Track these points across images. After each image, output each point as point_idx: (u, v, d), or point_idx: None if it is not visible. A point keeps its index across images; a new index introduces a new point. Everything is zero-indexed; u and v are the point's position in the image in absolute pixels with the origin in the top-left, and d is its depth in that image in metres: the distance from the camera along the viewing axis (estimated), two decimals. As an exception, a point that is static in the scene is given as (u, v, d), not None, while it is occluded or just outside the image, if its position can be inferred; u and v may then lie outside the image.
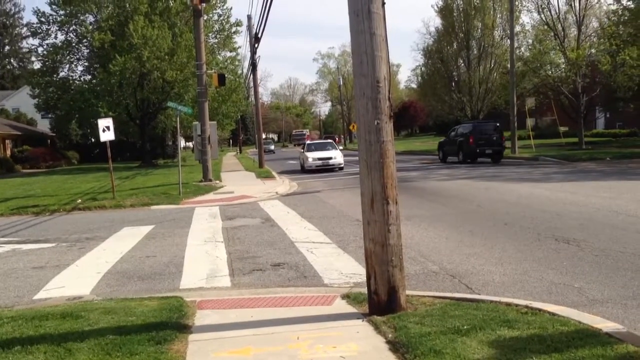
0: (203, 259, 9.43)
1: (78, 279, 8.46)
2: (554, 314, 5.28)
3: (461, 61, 50.60)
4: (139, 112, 43.04)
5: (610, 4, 35.18)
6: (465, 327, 5.00)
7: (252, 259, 9.24)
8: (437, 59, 51.36)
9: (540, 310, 5.41)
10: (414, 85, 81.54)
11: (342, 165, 29.57)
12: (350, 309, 6.05)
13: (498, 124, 30.45)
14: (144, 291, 7.59)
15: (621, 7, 32.82)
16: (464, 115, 50.88)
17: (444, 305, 5.78)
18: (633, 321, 5.34)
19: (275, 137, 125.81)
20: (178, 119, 21.64)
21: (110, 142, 18.34)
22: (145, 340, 5.11)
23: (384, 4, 5.64)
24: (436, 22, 76.22)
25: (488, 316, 5.27)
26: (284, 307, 6.24)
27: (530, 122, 40.56)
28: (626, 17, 31.90)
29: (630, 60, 33.08)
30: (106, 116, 23.07)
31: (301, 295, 6.80)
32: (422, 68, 57.79)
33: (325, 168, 29.29)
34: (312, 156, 29.96)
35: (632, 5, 31.66)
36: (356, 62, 5.71)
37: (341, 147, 43.59)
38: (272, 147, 77.49)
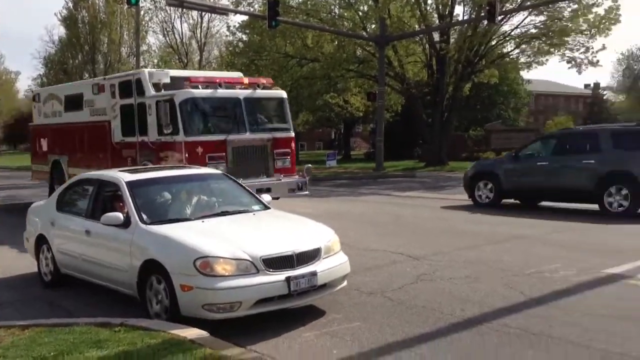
0: None
1: None
2: (147, 329, 5.42)
3: (86, 74, 48.89)
4: None
5: (227, 35, 38.53)
6: (52, 353, 4.79)
7: None
8: (60, 70, 48.56)
9: (134, 326, 5.49)
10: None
11: None
12: None
13: None
14: None
15: (236, 39, 36.16)
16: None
17: (34, 334, 5.43)
18: (216, 327, 5.74)
19: None
20: None
21: None
22: None
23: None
24: (60, 31, 71.78)
25: (80, 339, 5.14)
26: None
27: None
28: (240, 49, 35.26)
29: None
30: None
31: None
32: (44, 78, 53.80)
33: None
34: None
35: (246, 38, 35.12)
36: None
37: None
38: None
